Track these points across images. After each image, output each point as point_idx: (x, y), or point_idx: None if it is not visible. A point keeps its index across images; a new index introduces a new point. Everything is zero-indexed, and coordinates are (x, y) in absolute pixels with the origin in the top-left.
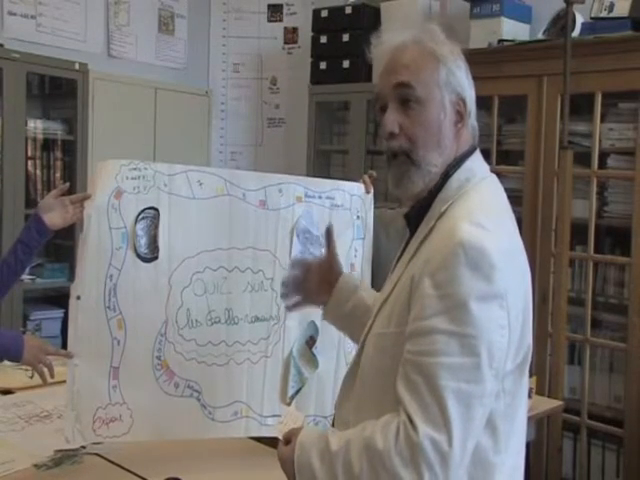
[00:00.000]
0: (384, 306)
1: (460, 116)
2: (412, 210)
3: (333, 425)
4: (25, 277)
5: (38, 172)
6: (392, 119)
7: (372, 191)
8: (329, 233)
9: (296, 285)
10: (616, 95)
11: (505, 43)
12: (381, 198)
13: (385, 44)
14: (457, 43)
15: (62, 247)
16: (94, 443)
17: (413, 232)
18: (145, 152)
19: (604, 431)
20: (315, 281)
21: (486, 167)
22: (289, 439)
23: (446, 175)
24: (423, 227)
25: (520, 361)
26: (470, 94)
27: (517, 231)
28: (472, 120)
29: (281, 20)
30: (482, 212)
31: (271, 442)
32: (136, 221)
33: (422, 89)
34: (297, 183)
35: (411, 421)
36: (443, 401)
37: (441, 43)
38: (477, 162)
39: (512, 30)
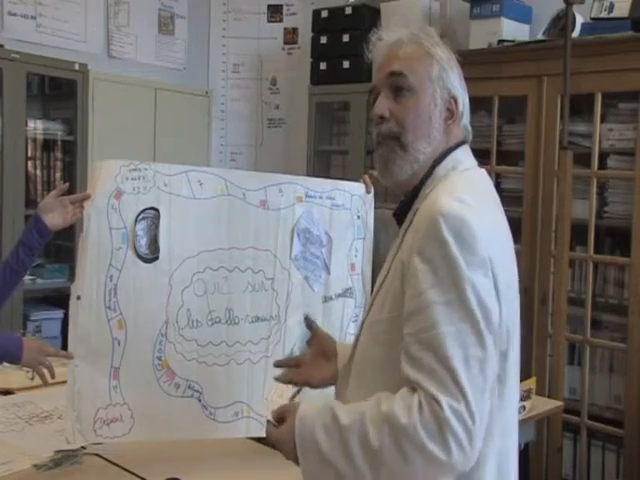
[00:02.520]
0: (377, 295)
1: (451, 113)
2: (399, 207)
3: None
4: (25, 277)
5: (38, 172)
6: (383, 104)
7: (372, 191)
8: (308, 321)
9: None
10: (616, 95)
11: (505, 43)
12: (381, 198)
13: (382, 41)
14: (450, 50)
15: (62, 247)
16: (94, 443)
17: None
18: (145, 152)
19: (604, 431)
20: (312, 368)
21: (474, 160)
22: (282, 417)
23: (433, 167)
24: (410, 213)
25: (506, 341)
26: (463, 96)
27: (506, 222)
28: (465, 122)
29: (281, 20)
30: (462, 190)
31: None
32: (136, 221)
33: (414, 78)
34: (297, 183)
35: (432, 396)
36: (453, 370)
37: (435, 44)
38: (465, 154)
39: (512, 30)
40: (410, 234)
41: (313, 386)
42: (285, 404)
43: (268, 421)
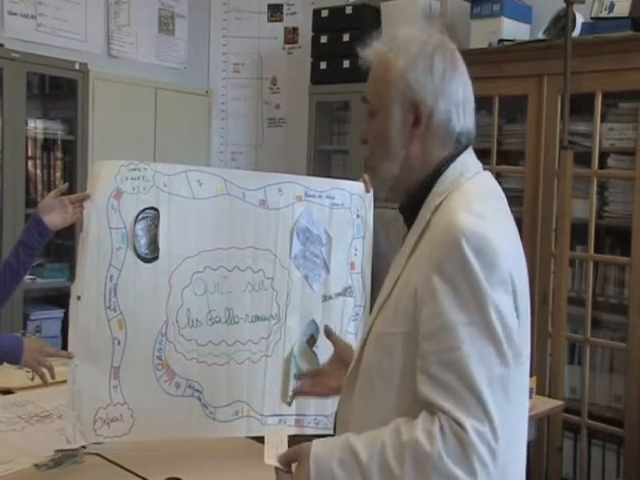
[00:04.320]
0: (385, 305)
1: (417, 120)
2: (405, 203)
3: (335, 424)
4: (25, 277)
5: (38, 172)
6: (363, 129)
7: (372, 190)
8: (328, 330)
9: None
10: (616, 95)
11: (505, 43)
12: (381, 198)
13: (366, 53)
14: (436, 41)
15: (62, 247)
16: (94, 443)
17: (409, 226)
18: (145, 152)
19: (604, 431)
20: (331, 377)
21: (479, 164)
22: (292, 460)
23: (438, 170)
24: (419, 222)
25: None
26: (435, 94)
27: (514, 225)
28: (455, 122)
29: (281, 20)
30: (478, 202)
31: None
32: (136, 221)
33: (374, 101)
34: (297, 182)
35: (455, 419)
36: (479, 393)
37: (403, 51)
38: (470, 158)
39: (512, 30)
40: (426, 245)
41: (331, 394)
42: (293, 447)
43: (277, 469)
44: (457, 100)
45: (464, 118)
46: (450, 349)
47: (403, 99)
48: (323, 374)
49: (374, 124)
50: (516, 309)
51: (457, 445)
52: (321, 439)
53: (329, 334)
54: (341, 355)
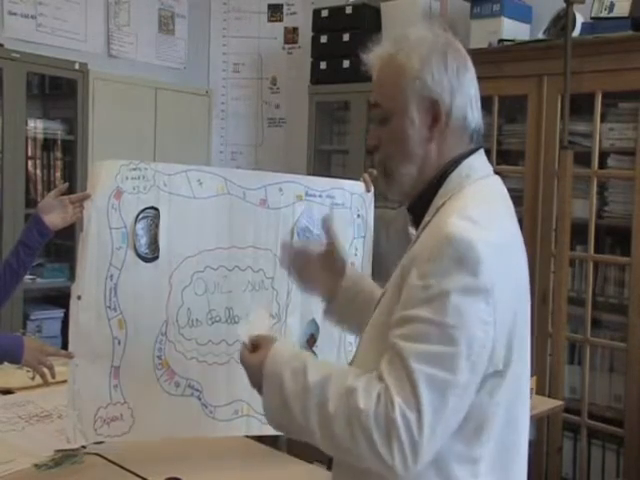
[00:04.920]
0: (381, 300)
1: (435, 119)
2: (413, 204)
3: None
4: (25, 277)
5: (38, 172)
6: (372, 134)
7: (372, 190)
8: (326, 223)
9: (296, 273)
10: (616, 95)
11: (505, 43)
12: (381, 198)
13: (370, 57)
14: (444, 40)
15: (62, 247)
16: (94, 443)
17: (417, 227)
18: (145, 152)
19: (604, 431)
20: (315, 270)
21: (489, 167)
22: (258, 344)
23: (445, 172)
24: (422, 223)
25: (503, 360)
26: (452, 91)
27: (517, 229)
28: (471, 118)
29: (281, 20)
30: (476, 207)
31: (272, 442)
32: (136, 221)
33: (387, 105)
34: (297, 182)
35: (389, 393)
36: (415, 384)
37: (415, 51)
38: (479, 160)
39: (512, 30)
40: (417, 245)
41: (309, 291)
42: (262, 335)
43: (244, 343)
44: (470, 96)
45: (477, 113)
46: (405, 337)
47: (420, 99)
48: (307, 264)
49: (389, 129)
50: (495, 318)
51: (384, 415)
52: (285, 342)
53: (327, 226)
54: (333, 258)
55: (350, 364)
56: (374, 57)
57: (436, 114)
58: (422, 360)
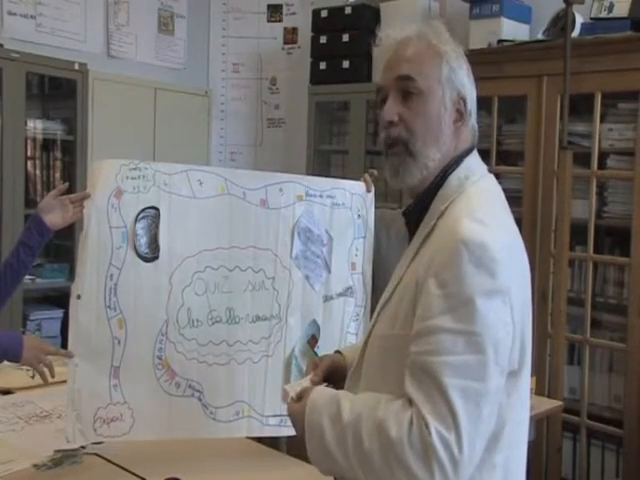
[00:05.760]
0: (386, 307)
1: (460, 115)
2: (410, 208)
3: None
4: (25, 277)
5: (38, 172)
6: (392, 108)
7: (373, 190)
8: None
9: None
10: (616, 95)
11: (505, 43)
12: (382, 198)
13: (389, 38)
14: (459, 44)
15: (62, 247)
16: (94, 443)
17: (413, 231)
18: (145, 152)
19: (604, 431)
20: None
21: (484, 166)
22: (301, 396)
23: (445, 173)
24: (424, 226)
25: (518, 359)
26: (471, 94)
27: (516, 228)
28: (472, 120)
29: (281, 20)
30: (482, 209)
31: (272, 442)
32: (136, 220)
33: (424, 82)
34: (298, 182)
35: (423, 417)
36: (450, 399)
37: (444, 41)
38: (475, 161)
39: (512, 30)
40: (428, 250)
41: None
42: (307, 387)
43: (291, 397)
44: (474, 97)
45: (476, 115)
46: (431, 352)
47: (453, 92)
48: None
49: (420, 106)
50: (513, 318)
51: (419, 442)
52: (322, 389)
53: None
54: (335, 369)
55: (354, 374)
56: (407, 32)
57: (461, 110)
58: (453, 373)
